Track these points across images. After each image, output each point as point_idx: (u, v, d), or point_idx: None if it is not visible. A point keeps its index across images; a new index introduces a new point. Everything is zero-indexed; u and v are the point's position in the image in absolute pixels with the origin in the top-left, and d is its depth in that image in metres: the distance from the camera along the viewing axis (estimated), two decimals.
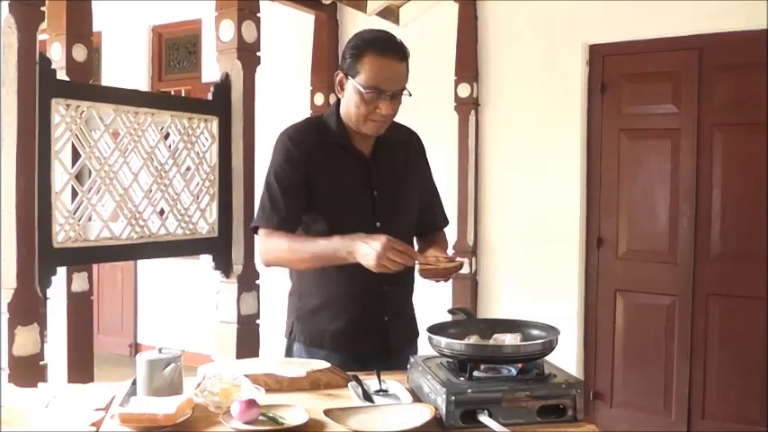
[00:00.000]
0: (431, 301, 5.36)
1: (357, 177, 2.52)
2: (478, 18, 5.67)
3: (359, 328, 2.53)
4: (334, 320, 2.53)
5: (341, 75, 2.44)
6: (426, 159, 2.75)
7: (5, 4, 3.06)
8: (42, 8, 3.23)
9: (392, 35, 2.44)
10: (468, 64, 5.64)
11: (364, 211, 2.51)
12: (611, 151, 5.30)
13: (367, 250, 2.23)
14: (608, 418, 5.29)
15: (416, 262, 2.30)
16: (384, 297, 2.50)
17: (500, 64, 5.63)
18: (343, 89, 2.46)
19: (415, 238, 2.70)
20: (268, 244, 2.49)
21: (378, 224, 2.49)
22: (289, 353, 2.63)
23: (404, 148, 2.64)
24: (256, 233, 2.56)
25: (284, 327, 2.67)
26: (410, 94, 2.43)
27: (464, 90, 5.63)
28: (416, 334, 2.69)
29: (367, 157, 2.54)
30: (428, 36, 5.85)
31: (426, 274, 2.33)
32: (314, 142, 2.51)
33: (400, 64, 2.39)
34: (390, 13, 5.88)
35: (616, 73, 5.27)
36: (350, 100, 2.42)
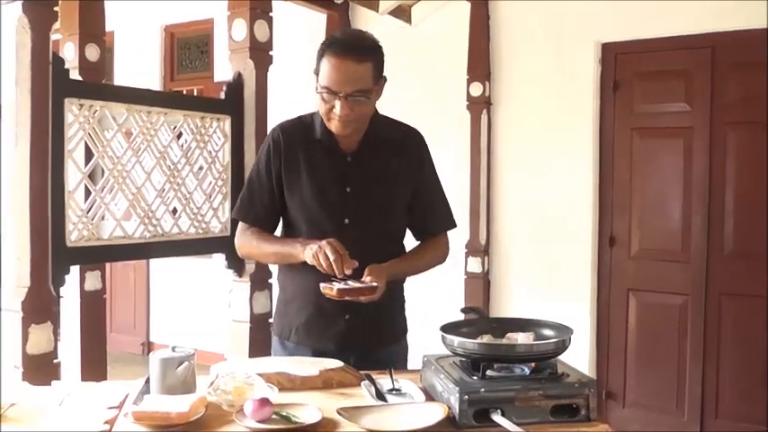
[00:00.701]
0: (443, 301, 5.37)
1: (332, 175, 2.51)
2: (491, 17, 5.65)
3: (320, 324, 2.54)
4: (299, 314, 2.57)
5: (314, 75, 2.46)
6: (427, 160, 2.66)
7: (19, 4, 3.08)
8: (55, 8, 3.24)
9: (360, 36, 2.44)
10: (480, 63, 5.63)
11: (334, 207, 2.51)
12: (623, 150, 5.28)
13: (314, 244, 2.33)
14: (620, 417, 5.27)
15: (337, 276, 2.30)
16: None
17: (512, 63, 5.62)
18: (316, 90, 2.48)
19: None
20: (242, 238, 2.62)
21: (346, 221, 2.50)
22: (273, 347, 2.70)
23: (398, 148, 2.58)
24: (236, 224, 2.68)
25: None
26: (367, 98, 2.38)
27: (476, 89, 5.62)
28: (396, 336, 2.66)
29: (347, 155, 2.52)
30: (440, 35, 5.85)
31: (326, 292, 2.32)
32: (298, 139, 2.54)
33: (357, 65, 2.34)
34: (402, 13, 5.88)
35: (628, 71, 5.25)
36: (316, 100, 2.43)
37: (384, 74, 2.47)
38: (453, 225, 2.72)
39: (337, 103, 2.35)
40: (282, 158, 2.53)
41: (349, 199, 2.51)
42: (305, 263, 2.38)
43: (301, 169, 2.51)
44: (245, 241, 2.60)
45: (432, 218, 2.67)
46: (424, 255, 2.66)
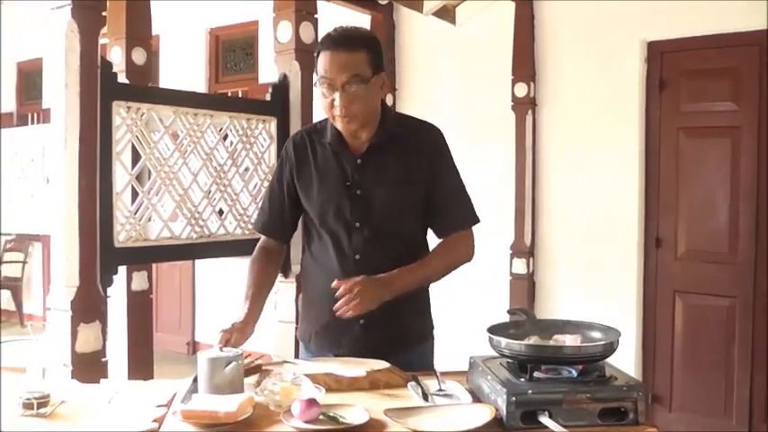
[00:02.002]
0: (488, 302, 5.35)
1: (342, 178, 2.52)
2: (535, 17, 5.63)
3: (334, 331, 2.54)
4: (316, 321, 2.60)
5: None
6: (442, 156, 2.58)
7: (68, 9, 3.11)
8: (103, 13, 3.28)
9: (352, 29, 2.48)
10: (525, 63, 5.61)
11: (344, 211, 2.51)
12: (669, 150, 5.23)
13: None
14: (667, 421, 5.21)
15: None
16: None
17: (557, 63, 5.60)
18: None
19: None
20: (254, 252, 2.73)
21: (357, 224, 2.51)
22: (300, 351, 2.74)
23: (409, 146, 2.54)
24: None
25: None
26: (365, 83, 2.39)
27: (521, 90, 5.61)
28: (416, 339, 2.63)
29: (357, 157, 2.52)
30: (484, 35, 5.84)
31: None
32: (308, 144, 2.60)
33: (349, 54, 2.38)
34: (446, 13, 5.87)
35: (675, 70, 5.20)
36: (321, 101, 2.47)
37: (384, 69, 2.51)
38: (475, 221, 2.61)
39: (337, 95, 2.38)
40: (293, 168, 2.59)
41: (358, 201, 2.51)
42: (322, 268, 2.54)
43: (312, 175, 2.55)
44: (252, 258, 2.71)
45: (449, 215, 2.58)
46: (440, 258, 2.57)
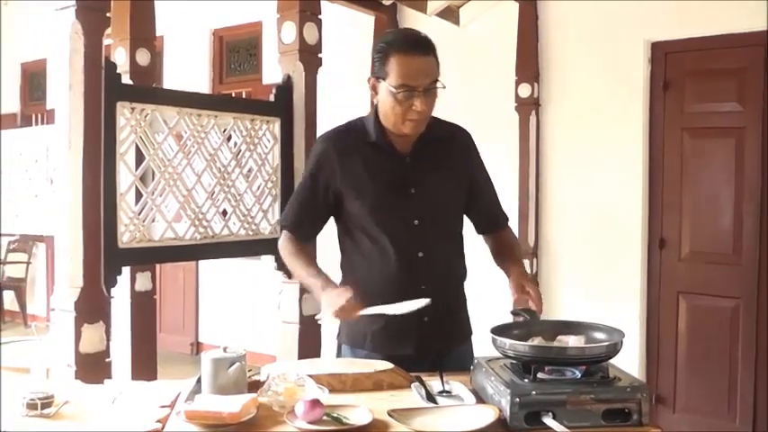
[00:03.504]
0: (491, 303, 5.34)
1: (394, 177, 2.53)
2: (539, 17, 5.63)
3: (397, 330, 2.50)
4: (374, 321, 2.51)
5: (372, 80, 2.48)
6: (477, 155, 2.70)
7: (72, 10, 3.12)
8: (108, 14, 3.28)
9: (415, 31, 2.47)
10: (528, 64, 5.60)
11: (402, 211, 2.52)
12: (673, 150, 5.22)
13: (325, 304, 2.36)
14: (670, 422, 5.20)
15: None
16: (423, 298, 2.36)
17: (561, 63, 5.59)
18: (377, 93, 2.49)
19: (483, 239, 2.75)
20: (282, 242, 2.66)
21: (416, 222, 2.52)
22: (338, 354, 2.68)
23: (447, 146, 2.61)
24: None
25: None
26: (444, 86, 2.43)
27: (525, 90, 5.60)
28: (466, 335, 2.68)
29: (405, 156, 2.54)
30: (488, 36, 5.83)
31: None
32: (349, 144, 2.57)
33: (426, 58, 2.40)
34: (450, 14, 5.86)
35: (679, 71, 5.18)
36: (385, 103, 2.45)
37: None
38: (508, 218, 2.81)
39: (417, 100, 2.39)
40: (337, 170, 2.53)
41: (414, 200, 2.52)
42: (381, 269, 2.50)
43: (361, 174, 2.52)
44: (284, 249, 2.64)
45: (493, 213, 2.74)
46: (515, 247, 2.74)
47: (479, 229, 2.74)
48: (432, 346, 2.51)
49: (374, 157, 2.54)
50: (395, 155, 2.53)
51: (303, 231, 2.65)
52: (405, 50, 2.39)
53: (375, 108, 2.57)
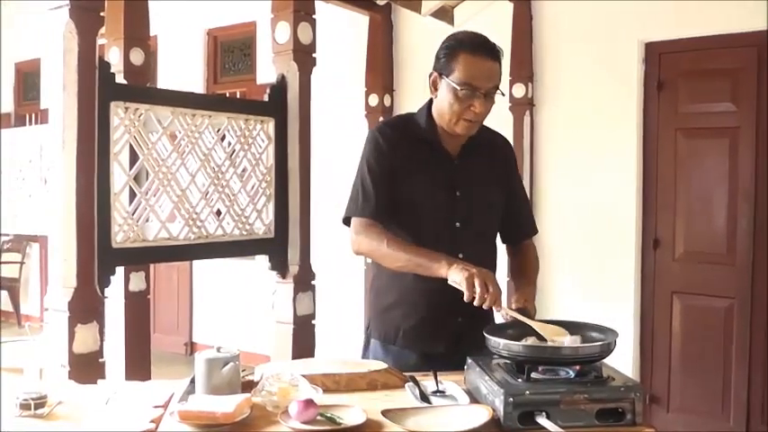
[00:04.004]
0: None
1: (442, 177, 2.55)
2: (533, 17, 5.63)
3: (430, 328, 2.54)
4: (407, 318, 2.56)
5: (435, 75, 2.50)
6: (515, 165, 2.79)
7: (66, 10, 3.11)
8: (102, 13, 3.28)
9: (485, 36, 2.48)
10: (523, 64, 5.60)
11: (445, 211, 2.54)
12: (668, 151, 5.23)
13: (467, 266, 2.26)
14: (664, 422, 5.21)
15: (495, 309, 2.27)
16: (458, 297, 2.31)
17: (555, 63, 5.60)
18: (436, 89, 2.51)
19: (504, 247, 2.77)
20: (363, 234, 2.51)
21: (457, 224, 2.54)
22: (366, 348, 2.69)
23: (491, 152, 2.66)
24: (347, 224, 2.59)
25: (356, 323, 2.72)
26: (503, 94, 2.49)
27: (519, 90, 5.60)
28: None
29: (453, 157, 2.57)
30: None
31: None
32: (404, 138, 2.57)
33: (493, 63, 2.43)
34: (445, 14, 5.87)
35: (673, 71, 5.19)
36: (444, 99, 2.47)
37: None
38: (537, 230, 2.83)
39: (477, 101, 2.42)
40: (394, 156, 2.53)
41: (459, 201, 2.54)
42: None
43: (411, 168, 2.53)
44: (370, 237, 2.49)
45: (523, 223, 2.77)
46: (536, 267, 2.71)
47: (506, 239, 2.77)
48: (463, 345, 2.48)
49: (425, 155, 2.55)
50: (444, 154, 2.56)
51: (383, 217, 2.52)
52: (474, 51, 2.41)
53: (426, 105, 2.59)
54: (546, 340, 2.10)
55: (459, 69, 2.41)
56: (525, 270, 2.67)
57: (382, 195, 2.52)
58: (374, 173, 2.53)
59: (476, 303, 2.19)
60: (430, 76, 2.51)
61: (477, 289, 2.18)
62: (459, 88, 2.40)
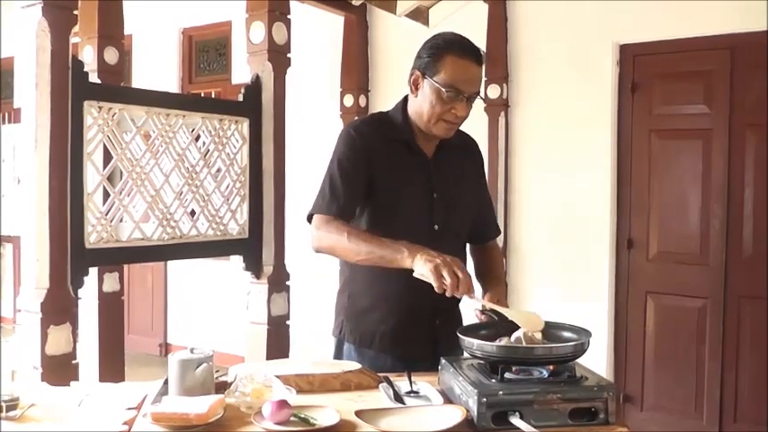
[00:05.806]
0: (461, 303, 5.33)
1: (418, 177, 2.52)
2: (508, 18, 5.65)
3: (408, 331, 2.52)
4: (383, 321, 2.53)
5: (417, 74, 2.46)
6: (483, 167, 2.78)
7: (39, 8, 3.09)
8: (75, 12, 3.26)
9: (469, 41, 2.45)
10: (498, 65, 5.61)
11: (423, 212, 2.52)
12: (641, 152, 5.26)
13: (431, 255, 2.18)
14: (638, 421, 5.24)
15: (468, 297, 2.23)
16: (435, 300, 2.28)
17: (530, 64, 5.61)
18: (417, 88, 2.47)
19: (468, 248, 2.74)
20: (324, 230, 2.43)
21: (435, 227, 2.52)
22: (338, 352, 2.63)
23: (463, 154, 2.65)
24: (310, 221, 2.50)
25: (331, 325, 2.68)
26: (483, 99, 2.46)
27: (494, 91, 5.61)
28: None
29: (429, 157, 2.55)
30: None
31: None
32: (378, 137, 2.51)
33: (479, 68, 2.42)
34: (420, 14, 5.87)
35: (647, 73, 5.23)
36: (425, 99, 2.43)
37: None
38: (500, 231, 2.85)
39: (459, 105, 2.40)
40: (368, 155, 2.47)
41: (436, 203, 2.53)
42: (392, 270, 2.30)
43: (385, 168, 2.49)
44: (330, 231, 2.40)
45: (487, 224, 2.77)
46: (503, 266, 2.78)
47: (473, 239, 2.73)
48: (442, 348, 2.42)
49: (400, 154, 2.51)
50: (420, 155, 2.53)
51: (350, 215, 2.48)
52: (463, 54, 2.39)
53: (401, 104, 2.57)
54: (520, 327, 2.11)
55: (445, 71, 2.38)
56: (494, 269, 2.69)
57: (352, 195, 2.46)
58: (345, 171, 2.46)
59: (447, 294, 2.12)
60: (411, 74, 2.47)
61: (447, 279, 2.11)
62: (444, 90, 2.37)
